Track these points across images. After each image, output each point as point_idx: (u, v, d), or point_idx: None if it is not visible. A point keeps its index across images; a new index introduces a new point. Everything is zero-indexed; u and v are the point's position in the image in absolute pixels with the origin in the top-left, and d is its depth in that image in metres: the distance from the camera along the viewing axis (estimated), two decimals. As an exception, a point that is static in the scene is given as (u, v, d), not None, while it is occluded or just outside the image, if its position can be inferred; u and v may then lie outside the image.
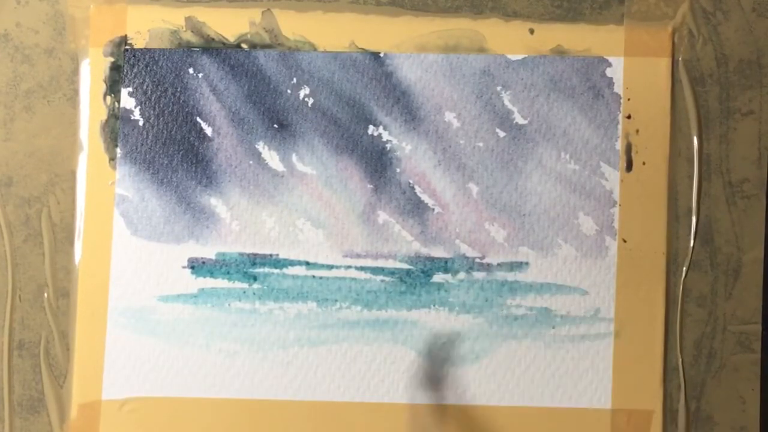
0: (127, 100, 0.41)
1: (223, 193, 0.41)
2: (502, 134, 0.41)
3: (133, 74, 0.41)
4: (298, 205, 0.41)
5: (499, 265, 0.40)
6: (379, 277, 0.41)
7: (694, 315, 0.40)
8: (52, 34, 0.41)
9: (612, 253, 0.40)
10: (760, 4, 0.41)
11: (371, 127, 0.41)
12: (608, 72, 0.41)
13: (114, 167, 0.41)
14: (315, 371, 0.40)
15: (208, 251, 0.41)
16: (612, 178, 0.41)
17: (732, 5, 0.41)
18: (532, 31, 0.41)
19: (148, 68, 0.41)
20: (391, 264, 0.41)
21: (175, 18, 0.41)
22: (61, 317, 0.41)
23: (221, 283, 0.41)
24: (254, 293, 0.41)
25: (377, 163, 0.41)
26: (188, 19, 0.41)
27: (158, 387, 0.40)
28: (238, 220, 0.41)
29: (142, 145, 0.41)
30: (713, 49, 0.41)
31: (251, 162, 0.41)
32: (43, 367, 0.40)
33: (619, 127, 0.41)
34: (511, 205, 0.41)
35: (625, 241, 0.40)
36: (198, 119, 0.41)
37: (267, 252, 0.41)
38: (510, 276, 0.40)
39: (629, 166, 0.41)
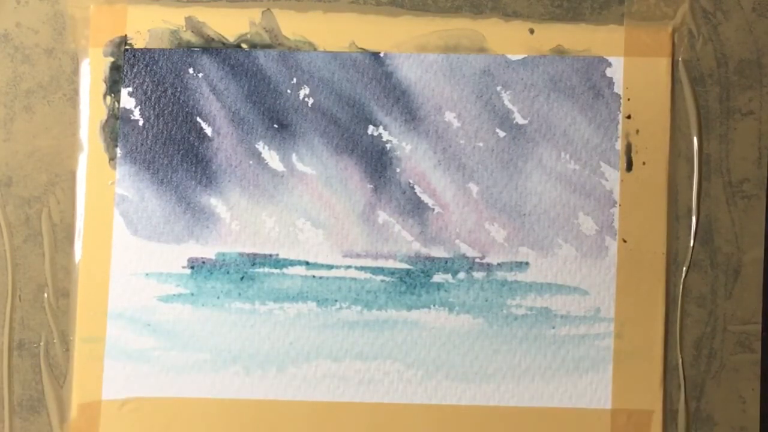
0: (127, 100, 0.41)
1: (223, 193, 0.41)
2: (502, 134, 0.41)
3: (133, 74, 0.41)
4: (298, 205, 0.41)
5: (499, 265, 0.40)
6: (379, 277, 0.41)
7: (694, 315, 0.40)
8: (52, 34, 0.41)
9: (612, 253, 0.40)
10: (760, 4, 0.41)
11: (371, 127, 0.41)
12: (608, 72, 0.41)
13: (114, 167, 0.41)
14: (315, 371, 0.40)
15: (208, 251, 0.41)
16: (612, 178, 0.41)
17: (732, 5, 0.41)
18: (532, 31, 0.41)
19: (148, 68, 0.41)
20: (391, 264, 0.41)
21: (175, 18, 0.42)
22: (61, 317, 0.41)
23: (221, 283, 0.41)
24: (254, 293, 0.41)
25: (377, 163, 0.41)
26: (188, 19, 0.42)
27: (158, 387, 0.40)
28: (238, 220, 0.41)
29: (142, 145, 0.41)
30: (713, 49, 0.41)
31: (251, 162, 0.41)
32: (43, 367, 0.40)
33: (619, 127, 0.41)
34: (511, 205, 0.41)
35: (625, 241, 0.40)
36: (198, 119, 0.41)
37: (267, 252, 0.41)
38: (510, 276, 0.40)
39: (629, 166, 0.41)
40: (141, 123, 0.41)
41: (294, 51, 0.41)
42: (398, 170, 0.41)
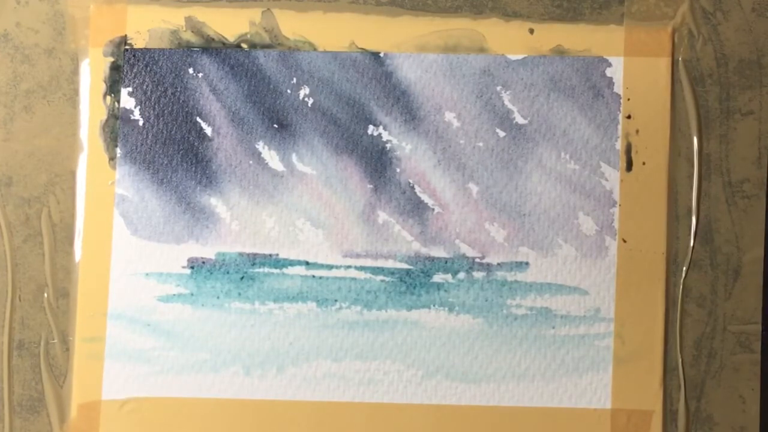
0: (127, 100, 0.41)
1: (223, 193, 0.41)
2: (502, 134, 0.41)
3: (133, 74, 0.41)
4: (298, 205, 0.41)
5: (499, 265, 0.40)
6: (379, 277, 0.41)
7: (694, 315, 0.40)
8: (52, 34, 0.41)
9: (612, 253, 0.40)
10: (760, 4, 0.41)
11: (371, 127, 0.41)
12: (608, 72, 0.41)
13: (114, 167, 0.41)
14: (315, 371, 0.40)
15: (208, 251, 0.41)
16: (612, 178, 0.41)
17: (732, 5, 0.41)
18: (532, 31, 0.41)
19: (148, 68, 0.41)
20: (391, 264, 0.41)
21: (175, 18, 0.42)
22: (61, 317, 0.41)
23: (221, 283, 0.41)
24: (254, 293, 0.41)
25: (377, 163, 0.41)
26: (188, 19, 0.42)
27: (158, 387, 0.40)
28: (238, 220, 0.41)
29: (142, 145, 0.41)
30: (713, 49, 0.41)
31: (251, 162, 0.41)
32: (43, 367, 0.40)
33: (619, 127, 0.41)
34: (511, 205, 0.41)
35: (625, 241, 0.40)
36: (198, 119, 0.41)
37: (267, 252, 0.41)
38: (510, 276, 0.40)
39: (629, 166, 0.41)
40: (141, 123, 0.41)
41: (294, 51, 0.41)
42: (398, 170, 0.41)
